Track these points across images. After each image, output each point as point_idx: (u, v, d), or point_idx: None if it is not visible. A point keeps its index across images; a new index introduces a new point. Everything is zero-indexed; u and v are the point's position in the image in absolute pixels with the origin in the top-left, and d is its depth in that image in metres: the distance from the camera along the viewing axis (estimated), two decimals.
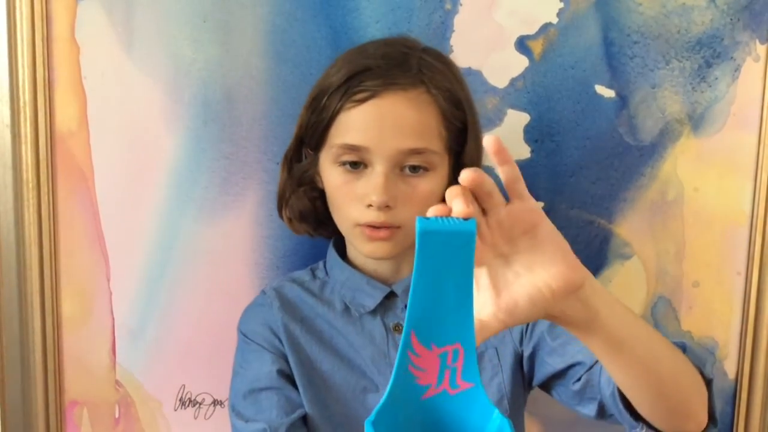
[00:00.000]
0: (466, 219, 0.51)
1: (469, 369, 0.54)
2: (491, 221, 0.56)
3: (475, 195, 0.55)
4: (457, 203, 0.52)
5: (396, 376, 0.53)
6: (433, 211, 0.53)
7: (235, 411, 0.87)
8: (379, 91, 0.79)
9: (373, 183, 0.80)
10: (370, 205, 0.80)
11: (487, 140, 0.55)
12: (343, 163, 0.82)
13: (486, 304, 0.57)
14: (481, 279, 0.57)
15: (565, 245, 0.58)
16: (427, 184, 0.81)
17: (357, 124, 0.80)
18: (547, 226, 0.57)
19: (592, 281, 0.60)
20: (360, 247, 0.84)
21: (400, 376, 0.54)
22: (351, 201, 0.82)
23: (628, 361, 0.63)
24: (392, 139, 0.78)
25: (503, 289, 0.57)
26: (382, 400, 0.53)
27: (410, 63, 0.81)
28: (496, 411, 0.53)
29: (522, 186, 0.57)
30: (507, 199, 0.58)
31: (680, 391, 0.67)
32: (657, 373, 0.65)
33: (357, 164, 0.81)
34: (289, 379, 0.87)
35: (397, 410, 0.53)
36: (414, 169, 0.81)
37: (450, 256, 0.51)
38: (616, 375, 0.66)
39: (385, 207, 0.80)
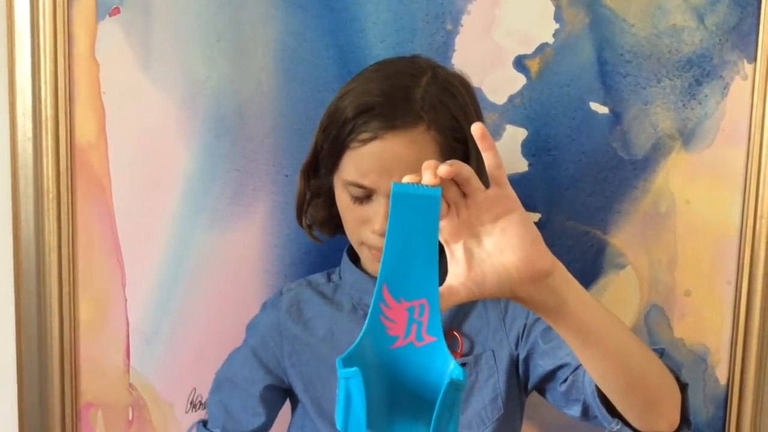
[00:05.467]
0: (433, 187, 0.59)
1: (433, 324, 0.60)
2: (470, 203, 0.62)
3: (456, 181, 0.61)
4: (427, 173, 0.60)
5: (369, 323, 0.60)
6: (407, 179, 0.60)
7: (215, 381, 0.99)
8: (381, 133, 0.83)
9: (376, 212, 0.84)
10: (373, 232, 0.85)
11: (474, 127, 0.62)
12: (351, 193, 0.86)
13: (459, 274, 0.63)
14: (456, 252, 0.63)
15: (536, 233, 0.63)
16: None
17: (361, 165, 0.84)
18: (521, 214, 0.63)
19: (563, 272, 0.65)
20: (366, 264, 0.91)
21: (372, 325, 0.60)
22: (358, 223, 0.87)
23: (597, 351, 0.68)
24: (392, 179, 0.82)
25: (475, 264, 0.63)
26: (355, 343, 0.59)
27: (413, 99, 0.84)
28: (454, 362, 0.59)
29: (502, 173, 0.63)
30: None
31: (650, 388, 0.70)
32: (626, 366, 0.69)
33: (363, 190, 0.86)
34: (266, 390, 0.95)
35: (366, 356, 0.59)
36: None
37: (418, 217, 0.59)
38: (587, 364, 0.70)
39: None
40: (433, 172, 0.59)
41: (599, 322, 0.67)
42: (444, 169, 0.59)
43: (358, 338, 0.59)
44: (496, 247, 0.62)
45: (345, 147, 0.85)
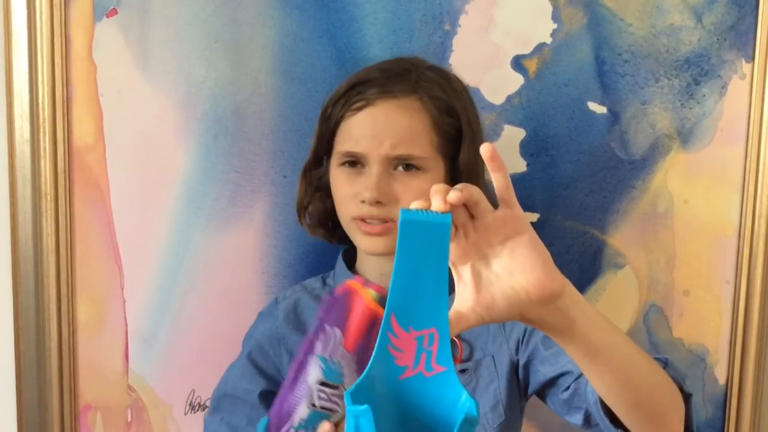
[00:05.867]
0: (443, 213, 0.57)
1: (443, 353, 0.58)
2: (478, 225, 0.60)
3: (465, 203, 0.59)
4: (436, 199, 0.57)
5: (376, 354, 0.58)
6: (415, 204, 0.58)
7: (214, 401, 0.95)
8: (375, 99, 0.85)
9: (367, 182, 0.86)
10: (363, 201, 0.86)
11: (483, 148, 0.60)
12: (343, 164, 0.88)
13: (467, 298, 0.61)
14: (464, 275, 0.61)
15: (546, 255, 0.61)
16: (419, 183, 0.86)
17: (354, 132, 0.86)
18: (530, 235, 0.61)
19: (572, 291, 0.63)
20: (358, 242, 0.90)
21: (380, 355, 0.58)
22: (349, 197, 0.88)
23: (605, 369, 0.67)
24: (383, 146, 0.85)
25: (483, 287, 0.61)
26: (362, 375, 0.57)
27: (408, 76, 0.87)
28: (466, 393, 0.57)
29: (511, 194, 0.61)
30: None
31: (656, 402, 0.70)
32: (633, 383, 0.68)
33: (355, 163, 0.88)
34: (265, 396, 0.93)
35: (375, 387, 0.57)
36: (407, 167, 0.86)
37: (427, 245, 0.56)
38: (594, 381, 0.69)
39: (377, 203, 0.86)
40: (442, 198, 0.57)
41: (607, 340, 0.66)
42: (454, 195, 0.57)
43: (366, 369, 0.58)
44: (505, 270, 0.60)
45: (339, 121, 0.87)
